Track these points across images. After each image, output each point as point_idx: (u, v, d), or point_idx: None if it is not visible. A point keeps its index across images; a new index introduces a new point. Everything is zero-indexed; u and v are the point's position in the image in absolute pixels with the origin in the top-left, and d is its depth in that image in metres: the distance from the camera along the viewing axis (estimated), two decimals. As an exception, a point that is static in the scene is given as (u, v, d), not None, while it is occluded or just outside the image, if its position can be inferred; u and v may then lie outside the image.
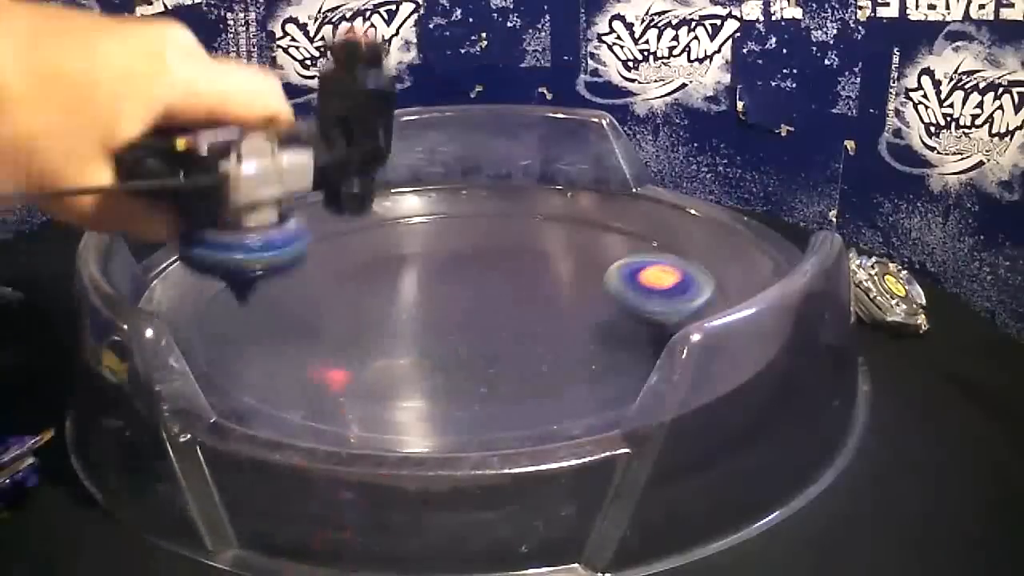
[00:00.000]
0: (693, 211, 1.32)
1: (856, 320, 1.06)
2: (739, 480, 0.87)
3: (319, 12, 1.52)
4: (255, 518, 0.84)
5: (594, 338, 1.08)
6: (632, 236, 1.31)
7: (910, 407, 1.04)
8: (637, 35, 1.49)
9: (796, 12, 1.38)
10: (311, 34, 1.52)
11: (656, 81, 1.50)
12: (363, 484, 0.81)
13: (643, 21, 1.48)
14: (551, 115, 1.44)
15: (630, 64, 1.50)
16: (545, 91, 1.55)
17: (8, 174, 0.67)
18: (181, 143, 0.69)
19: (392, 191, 1.39)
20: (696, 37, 1.46)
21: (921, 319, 1.16)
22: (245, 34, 1.50)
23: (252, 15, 1.49)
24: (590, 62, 1.52)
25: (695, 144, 1.51)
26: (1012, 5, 1.16)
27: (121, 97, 0.68)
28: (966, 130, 1.23)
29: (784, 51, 1.40)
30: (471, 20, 1.54)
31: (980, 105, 1.21)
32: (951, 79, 1.23)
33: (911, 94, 1.29)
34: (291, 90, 1.54)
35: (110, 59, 0.68)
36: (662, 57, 1.48)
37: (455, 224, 1.36)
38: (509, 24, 1.53)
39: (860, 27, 1.33)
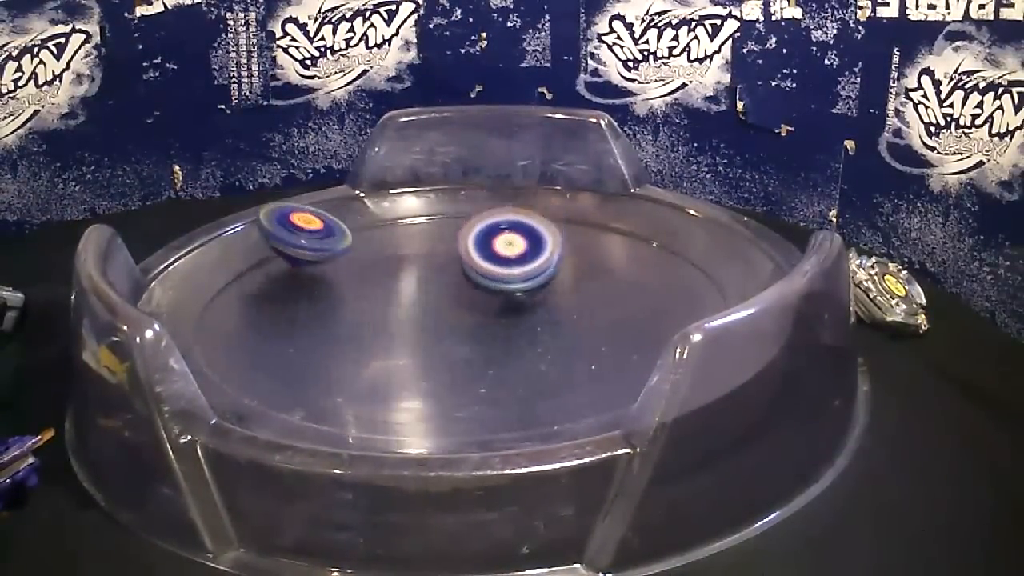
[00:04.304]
0: (693, 211, 1.32)
1: (856, 320, 1.06)
2: (739, 480, 0.87)
3: (319, 12, 1.52)
4: (256, 519, 0.84)
5: (594, 338, 1.08)
6: (631, 236, 1.31)
7: (910, 407, 1.04)
8: (637, 35, 1.48)
9: (796, 12, 1.38)
10: (311, 34, 1.52)
11: (656, 81, 1.50)
12: (364, 485, 0.81)
13: (643, 21, 1.48)
14: (550, 115, 1.44)
15: (630, 64, 1.50)
16: (545, 91, 1.55)
17: None
18: None
19: (392, 191, 1.39)
20: (696, 37, 1.46)
21: (921, 319, 1.16)
22: (245, 34, 1.50)
23: (252, 15, 1.49)
24: (590, 62, 1.52)
25: (695, 144, 1.50)
26: (1012, 5, 1.16)
27: None
28: (966, 130, 1.22)
29: (784, 51, 1.40)
30: (471, 20, 1.54)
31: (980, 105, 1.20)
32: (951, 79, 1.23)
33: (911, 94, 1.29)
34: (291, 90, 1.54)
35: None
36: (662, 57, 1.48)
37: (455, 224, 1.36)
38: (509, 24, 1.53)
39: (860, 27, 1.33)
